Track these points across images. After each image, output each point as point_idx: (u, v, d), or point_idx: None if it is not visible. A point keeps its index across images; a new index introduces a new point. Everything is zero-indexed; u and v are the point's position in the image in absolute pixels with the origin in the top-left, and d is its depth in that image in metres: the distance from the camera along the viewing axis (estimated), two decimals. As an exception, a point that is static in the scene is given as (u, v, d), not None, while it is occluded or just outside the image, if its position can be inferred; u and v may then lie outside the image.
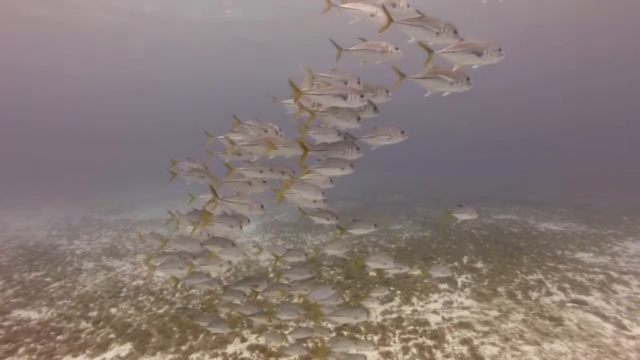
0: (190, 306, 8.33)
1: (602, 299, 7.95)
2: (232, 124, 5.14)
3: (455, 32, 3.37)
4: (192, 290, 9.28)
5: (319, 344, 5.39)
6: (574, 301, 7.84)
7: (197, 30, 30.25)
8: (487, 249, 11.59)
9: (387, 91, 4.06)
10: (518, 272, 9.45)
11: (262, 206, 4.95)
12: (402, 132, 4.08)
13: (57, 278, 10.33)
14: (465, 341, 6.39)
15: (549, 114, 71.95)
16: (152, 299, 8.80)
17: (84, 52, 34.24)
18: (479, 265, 10.12)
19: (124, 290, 9.44)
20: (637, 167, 37.12)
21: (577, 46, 35.67)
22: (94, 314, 8.03)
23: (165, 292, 9.29)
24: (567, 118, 73.22)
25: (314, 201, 4.78)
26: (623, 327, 6.78)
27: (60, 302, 8.67)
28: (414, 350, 6.18)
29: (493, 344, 6.31)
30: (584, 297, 8.01)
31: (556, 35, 31.97)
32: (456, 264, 10.26)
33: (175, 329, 7.20)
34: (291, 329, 6.91)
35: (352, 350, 5.03)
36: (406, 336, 6.63)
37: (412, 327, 6.97)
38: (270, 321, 5.37)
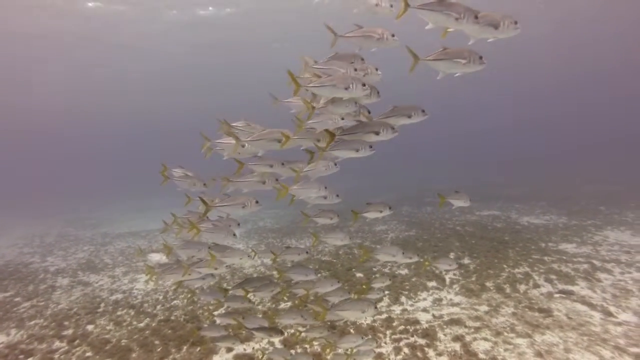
0: (172, 318, 7.98)
1: (587, 287, 8.00)
2: (221, 128, 4.92)
3: (476, 17, 3.24)
4: (175, 302, 8.93)
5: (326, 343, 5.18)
6: (561, 292, 7.87)
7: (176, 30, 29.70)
8: (473, 244, 11.61)
9: (377, 69, 3.90)
10: (505, 266, 9.46)
11: (257, 202, 4.68)
12: (423, 111, 3.88)
13: (28, 297, 9.77)
14: (457, 338, 6.29)
15: (526, 111, 73.78)
16: (133, 313, 8.40)
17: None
18: (466, 261, 10.10)
19: (102, 305, 8.99)
20: (608, 159, 38.35)
21: (555, 47, 36.70)
22: (69, 332, 7.58)
23: (146, 304, 8.90)
24: (543, 115, 75.23)
25: (325, 197, 4.58)
26: (610, 314, 6.82)
27: (32, 323, 8.17)
28: (406, 350, 6.04)
29: (485, 339, 6.22)
30: (570, 287, 8.04)
31: (536, 39, 32.84)
32: (433, 264, 10.19)
33: (157, 342, 6.86)
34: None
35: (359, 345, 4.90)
36: (397, 336, 6.49)
37: (402, 326, 6.84)
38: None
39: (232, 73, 39.86)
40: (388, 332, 6.63)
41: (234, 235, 5.03)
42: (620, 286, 8.00)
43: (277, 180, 4.61)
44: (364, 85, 3.68)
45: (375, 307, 4.74)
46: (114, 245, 15.76)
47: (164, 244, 5.42)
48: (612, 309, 7.02)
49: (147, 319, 8.05)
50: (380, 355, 5.92)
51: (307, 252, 5.34)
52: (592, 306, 7.15)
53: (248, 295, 5.31)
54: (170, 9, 25.83)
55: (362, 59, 3.91)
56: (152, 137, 77.65)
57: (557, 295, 7.75)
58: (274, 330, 5.07)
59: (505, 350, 5.85)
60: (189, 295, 8.92)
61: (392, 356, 5.91)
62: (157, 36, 29.33)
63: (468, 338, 6.28)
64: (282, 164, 4.45)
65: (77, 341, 7.15)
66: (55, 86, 40.06)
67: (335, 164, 4.36)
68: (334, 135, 4.00)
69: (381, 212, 4.74)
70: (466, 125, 79.95)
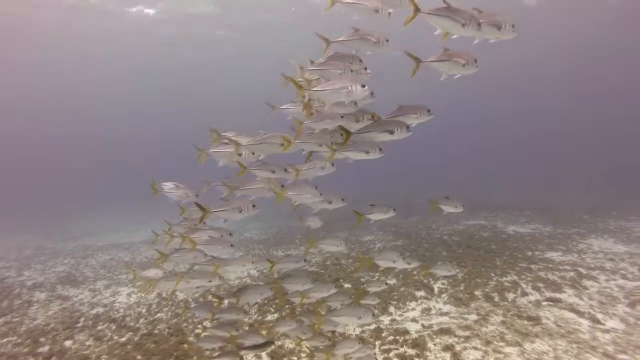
0: (156, 331, 7.72)
1: (575, 295, 8.05)
2: (211, 138, 4.83)
3: (479, 24, 3.37)
4: (158, 315, 8.66)
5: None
6: (549, 299, 7.89)
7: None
8: (460, 254, 11.62)
9: (365, 68, 3.92)
10: (492, 274, 9.46)
11: (254, 205, 4.59)
12: (429, 111, 3.91)
13: (2, 314, 9.33)
14: (447, 347, 6.21)
15: (509, 121, 75.21)
16: (114, 327, 8.10)
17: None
18: (414, 264, 10.05)
19: (82, 320, 8.65)
20: (589, 170, 39.21)
21: (536, 57, 37.64)
22: (45, 349, 7.24)
23: (128, 318, 8.59)
24: (523, 125, 76.81)
25: (330, 202, 4.54)
26: (598, 322, 6.84)
27: (4, 340, 7.78)
28: (396, 360, 5.93)
29: (475, 348, 6.16)
30: (558, 295, 8.07)
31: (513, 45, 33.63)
32: (431, 270, 10.14)
33: (139, 357, 6.59)
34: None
35: (357, 350, 4.78)
36: (387, 347, 6.38)
37: (392, 337, 6.73)
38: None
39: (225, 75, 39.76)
40: (377, 343, 6.51)
41: (231, 245, 4.90)
42: (607, 293, 8.06)
43: (282, 186, 4.55)
44: (363, 86, 3.69)
45: (373, 315, 4.63)
46: (95, 258, 15.31)
47: (159, 252, 5.24)
48: (599, 316, 7.05)
49: (129, 333, 7.76)
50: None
51: (305, 260, 5.22)
52: (579, 313, 7.16)
53: (242, 307, 5.16)
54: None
55: (361, 60, 3.89)
56: (136, 146, 76.71)
57: (545, 303, 7.76)
58: (267, 344, 4.91)
59: (496, 359, 5.79)
60: (181, 310, 8.60)
61: (382, 367, 5.79)
62: (145, 34, 29.00)
63: (458, 347, 6.20)
64: (285, 169, 4.40)
65: (54, 358, 6.83)
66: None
67: (332, 164, 4.33)
68: (350, 133, 3.96)
69: (385, 213, 4.67)
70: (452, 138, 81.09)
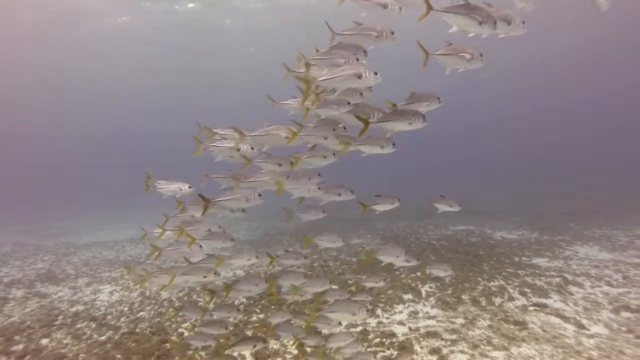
0: (137, 330, 7.51)
1: (560, 300, 8.07)
2: (203, 134, 4.71)
3: (495, 23, 3.38)
4: (141, 313, 8.45)
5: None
6: (535, 304, 7.90)
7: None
8: (449, 258, 11.61)
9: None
10: (480, 279, 9.46)
11: (259, 195, 4.50)
12: (439, 99, 3.88)
13: (-24, 311, 9.03)
14: (434, 350, 6.15)
15: (495, 130, 76.25)
16: (94, 325, 7.87)
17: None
18: (442, 274, 10.04)
19: (60, 317, 8.39)
20: (573, 178, 39.85)
21: (520, 66, 38.26)
22: (19, 347, 6.98)
23: (109, 316, 8.36)
24: (512, 134, 77.94)
25: (339, 194, 4.46)
26: (582, 327, 6.86)
27: (-22, 337, 7.51)
28: (382, 363, 5.85)
29: (462, 351, 6.11)
30: (544, 300, 8.09)
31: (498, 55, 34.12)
32: (419, 274, 10.12)
33: (119, 356, 6.40)
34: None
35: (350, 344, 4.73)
36: (373, 349, 6.30)
37: (378, 339, 6.65)
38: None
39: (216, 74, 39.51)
40: (364, 345, 6.42)
41: (232, 239, 4.78)
42: (591, 299, 8.11)
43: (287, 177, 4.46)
44: (376, 73, 3.64)
45: (368, 310, 4.51)
46: (77, 256, 14.96)
47: (152, 246, 5.10)
48: (584, 321, 7.07)
49: (110, 331, 7.55)
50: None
51: (305, 257, 5.11)
52: (565, 319, 7.18)
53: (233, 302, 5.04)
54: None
55: (365, 51, 3.81)
56: (124, 146, 75.66)
57: (531, 308, 7.76)
58: (257, 339, 4.76)
59: (483, 363, 5.75)
60: (171, 314, 8.35)
61: (368, 370, 5.69)
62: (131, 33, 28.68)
63: (445, 351, 6.15)
64: (292, 162, 4.33)
65: (28, 357, 6.59)
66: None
67: (334, 154, 4.25)
68: (368, 122, 3.86)
69: (391, 204, 4.58)
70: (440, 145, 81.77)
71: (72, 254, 15.20)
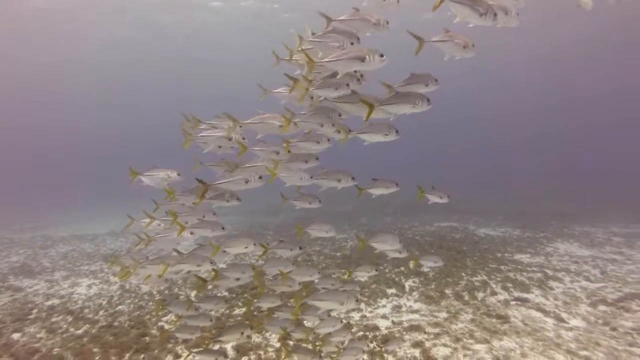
0: (116, 324, 7.32)
1: (541, 295, 8.18)
2: (186, 124, 4.59)
3: (495, 15, 3.45)
4: (120, 307, 8.24)
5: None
6: (517, 299, 7.99)
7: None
8: (432, 254, 11.66)
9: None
10: (463, 274, 9.53)
11: (260, 177, 4.37)
12: (436, 80, 3.79)
13: (-53, 302, 8.67)
14: (417, 344, 6.15)
15: (481, 127, 77.09)
16: (70, 319, 7.63)
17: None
18: (425, 269, 10.09)
19: (34, 311, 8.12)
20: (554, 178, 40.68)
21: (504, 66, 38.74)
22: (-10, 341, 6.73)
23: (86, 310, 8.13)
24: (495, 132, 78.91)
25: (339, 181, 4.35)
26: (562, 320, 6.97)
27: (-53, 331, 7.20)
28: (364, 356, 5.80)
29: (445, 345, 6.13)
30: (525, 295, 8.19)
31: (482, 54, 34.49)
32: (403, 268, 10.15)
33: (95, 350, 6.21)
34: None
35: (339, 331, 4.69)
36: (344, 347, 6.24)
37: (361, 332, 6.63)
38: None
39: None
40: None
41: (223, 228, 4.64)
42: (571, 294, 8.25)
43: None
44: (381, 56, 3.57)
45: (357, 300, 4.44)
46: (55, 249, 14.54)
47: (144, 235, 4.93)
48: (564, 315, 7.19)
49: (87, 325, 7.33)
50: (337, 361, 5.64)
51: (300, 248, 4.99)
52: (545, 313, 7.28)
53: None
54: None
55: (358, 38, 3.74)
56: (110, 137, 74.06)
57: (513, 302, 7.85)
58: (244, 326, 4.65)
59: (465, 356, 5.77)
60: (154, 310, 8.15)
61: (351, 363, 5.65)
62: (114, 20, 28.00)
63: (428, 344, 6.16)
64: (289, 150, 4.26)
65: None
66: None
67: (328, 140, 4.19)
68: (372, 105, 3.76)
69: (387, 189, 4.49)
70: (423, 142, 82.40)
71: (49, 247, 14.77)
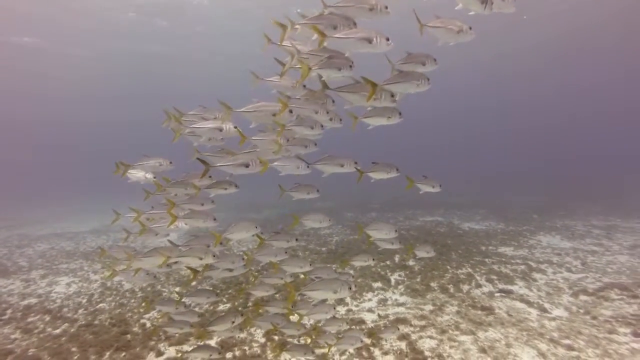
0: (96, 322, 7.12)
1: (525, 287, 8.28)
2: (170, 118, 4.50)
3: (492, 4, 3.50)
4: (101, 305, 8.03)
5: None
6: (501, 291, 8.07)
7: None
8: (417, 247, 11.69)
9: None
10: (448, 267, 9.59)
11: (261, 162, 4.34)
12: (435, 60, 3.78)
13: None
14: (403, 337, 6.14)
15: (462, 123, 78.06)
16: (48, 319, 7.39)
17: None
18: (411, 262, 10.13)
19: (9, 312, 7.83)
20: (535, 173, 41.54)
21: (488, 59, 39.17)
22: (-38, 342, 6.45)
23: (65, 309, 7.88)
24: (477, 127, 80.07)
25: (342, 165, 4.29)
26: (545, 311, 7.06)
27: None
28: (351, 350, 5.77)
29: (431, 337, 6.13)
30: (509, 287, 8.28)
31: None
32: (388, 262, 10.17)
33: (74, 349, 6.01)
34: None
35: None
36: (341, 336, 6.19)
37: (347, 326, 6.56)
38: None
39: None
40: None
41: (214, 219, 4.53)
42: (553, 284, 8.37)
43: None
44: (387, 39, 3.53)
45: (350, 288, 4.36)
46: (33, 248, 14.11)
47: (140, 222, 4.77)
48: (547, 305, 7.28)
49: (65, 324, 7.11)
50: (324, 356, 5.59)
51: (296, 240, 4.87)
52: (529, 303, 7.36)
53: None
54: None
55: (355, 23, 3.66)
56: (87, 137, 72.39)
57: (498, 294, 7.92)
58: (235, 313, 4.55)
59: (451, 347, 5.78)
60: (143, 304, 7.93)
61: (337, 357, 5.62)
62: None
63: (414, 337, 6.15)
64: (287, 139, 4.25)
65: (-28, 352, 6.09)
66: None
67: (322, 126, 4.14)
68: (376, 85, 3.69)
69: (388, 173, 4.39)
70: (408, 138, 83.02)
71: (26, 246, 14.32)
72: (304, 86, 4.14)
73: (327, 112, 4.02)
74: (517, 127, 76.83)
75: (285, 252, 4.76)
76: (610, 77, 45.98)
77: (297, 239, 4.92)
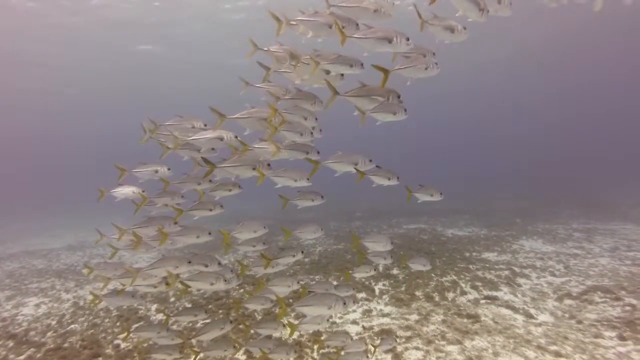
0: (66, 345, 6.70)
1: (510, 292, 8.23)
2: (145, 129, 4.47)
3: (488, 12, 3.61)
4: (72, 326, 7.59)
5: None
6: (486, 297, 7.98)
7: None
8: (402, 256, 11.59)
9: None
10: (433, 275, 9.47)
11: (268, 164, 4.26)
12: (434, 53, 3.86)
13: None
14: (389, 349, 5.94)
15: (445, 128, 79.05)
16: (11, 344, 6.92)
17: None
18: (395, 271, 9.98)
19: (-30, 337, 7.32)
20: (517, 177, 42.30)
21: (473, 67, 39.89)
22: None
23: (32, 332, 7.42)
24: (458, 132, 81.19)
25: (356, 163, 4.20)
26: (531, 316, 6.99)
27: None
28: (336, 365, 5.54)
29: (417, 348, 5.96)
30: (494, 293, 8.21)
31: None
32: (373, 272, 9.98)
33: (38, 377, 5.61)
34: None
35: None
36: (325, 350, 5.98)
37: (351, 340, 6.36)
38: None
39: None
40: (315, 347, 6.10)
41: (209, 233, 4.44)
42: (538, 289, 8.34)
43: (268, 165, 4.28)
44: (407, 39, 3.57)
45: (345, 304, 4.15)
46: (1, 267, 13.41)
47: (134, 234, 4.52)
48: (532, 311, 7.22)
49: (31, 349, 6.66)
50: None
51: (302, 252, 4.73)
52: (515, 309, 7.29)
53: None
54: None
55: (357, 24, 3.64)
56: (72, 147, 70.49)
57: (483, 301, 7.83)
58: (224, 321, 4.36)
59: (438, 358, 5.62)
60: (126, 334, 7.52)
61: (321, 373, 5.38)
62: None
63: (400, 348, 5.97)
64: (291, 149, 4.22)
65: None
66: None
67: (315, 118, 4.12)
68: (388, 70, 3.70)
69: (389, 179, 4.29)
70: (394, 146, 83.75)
71: (-6, 265, 13.62)
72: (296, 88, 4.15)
73: (316, 119, 4.02)
74: (500, 132, 78.29)
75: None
76: (594, 79, 47.15)
77: (302, 252, 4.78)
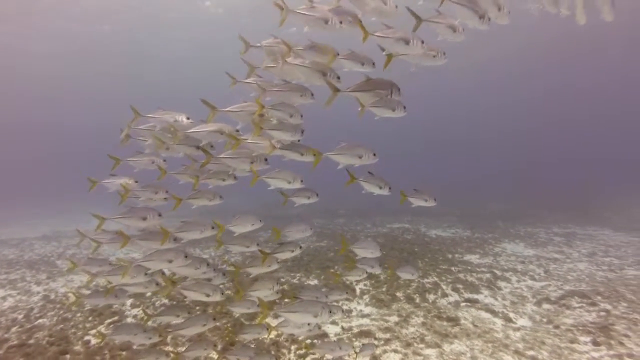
0: (31, 341, 6.40)
1: (490, 295, 8.23)
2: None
3: (489, 20, 3.63)
4: (40, 321, 7.29)
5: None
6: (467, 300, 7.95)
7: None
8: (384, 255, 11.44)
9: (423, 41, 3.70)
10: (414, 275, 9.41)
11: (266, 159, 4.25)
12: (422, 42, 3.76)
13: None
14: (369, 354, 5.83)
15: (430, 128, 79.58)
16: (-27, 339, 6.59)
17: None
18: (377, 271, 9.89)
19: None
20: (502, 180, 42.78)
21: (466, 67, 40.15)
22: None
23: (-4, 327, 7.09)
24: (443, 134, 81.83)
25: (360, 157, 4.10)
26: (510, 320, 6.98)
27: None
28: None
29: (395, 350, 5.88)
30: (475, 296, 8.19)
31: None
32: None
33: (-2, 375, 5.33)
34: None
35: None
36: (303, 351, 5.85)
37: (309, 340, 6.23)
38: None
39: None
40: (293, 348, 5.97)
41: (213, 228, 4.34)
42: (518, 293, 8.36)
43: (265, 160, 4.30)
44: (422, 42, 3.59)
45: (330, 312, 4.00)
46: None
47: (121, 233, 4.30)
48: (511, 315, 7.22)
49: (-7, 345, 6.34)
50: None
51: (300, 247, 4.68)
52: (494, 313, 7.27)
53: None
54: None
55: (349, 18, 3.60)
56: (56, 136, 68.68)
57: (463, 304, 7.80)
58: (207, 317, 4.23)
59: (415, 361, 5.54)
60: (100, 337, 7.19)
61: (296, 375, 5.25)
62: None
63: (378, 350, 5.88)
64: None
65: None
66: None
67: (300, 115, 4.06)
68: (392, 55, 3.74)
69: (381, 188, 4.22)
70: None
71: (-38, 256, 13.08)
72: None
73: (302, 116, 3.98)
74: (486, 134, 79.17)
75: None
76: (584, 79, 47.88)
77: (300, 247, 4.72)
